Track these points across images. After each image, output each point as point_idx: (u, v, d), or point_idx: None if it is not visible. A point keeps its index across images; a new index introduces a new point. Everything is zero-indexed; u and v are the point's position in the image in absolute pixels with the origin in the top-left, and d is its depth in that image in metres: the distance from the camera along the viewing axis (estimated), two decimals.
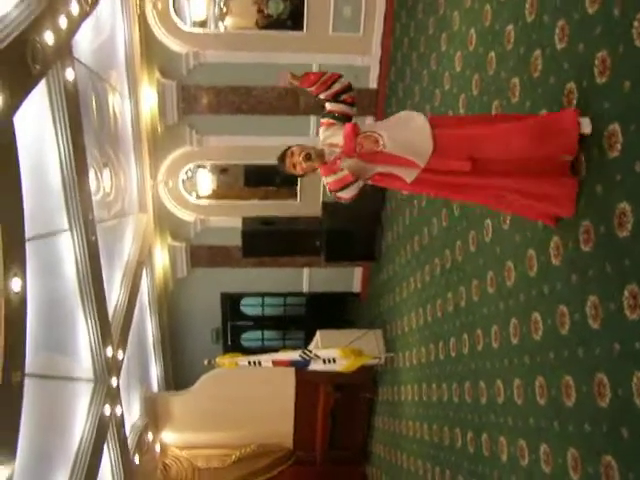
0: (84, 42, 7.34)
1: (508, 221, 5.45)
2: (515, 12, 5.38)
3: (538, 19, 4.96)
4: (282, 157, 4.40)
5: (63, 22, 5.68)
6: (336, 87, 4.41)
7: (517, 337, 5.20)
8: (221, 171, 14.21)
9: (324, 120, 4.43)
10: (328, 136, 4.36)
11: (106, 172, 8.65)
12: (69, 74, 6.03)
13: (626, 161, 3.70)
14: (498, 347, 5.62)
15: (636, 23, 3.64)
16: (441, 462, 7.19)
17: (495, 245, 5.72)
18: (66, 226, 6.46)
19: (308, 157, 4.27)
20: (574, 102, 4.32)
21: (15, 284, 4.61)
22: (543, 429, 4.72)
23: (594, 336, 4.01)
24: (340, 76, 4.43)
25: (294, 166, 4.35)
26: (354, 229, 10.78)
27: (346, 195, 4.48)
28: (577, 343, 4.23)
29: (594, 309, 4.01)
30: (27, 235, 4.94)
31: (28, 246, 4.98)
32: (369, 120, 10.81)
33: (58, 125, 5.99)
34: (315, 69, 10.58)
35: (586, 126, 4.05)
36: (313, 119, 11.07)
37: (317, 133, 10.62)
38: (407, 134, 4.16)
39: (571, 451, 4.28)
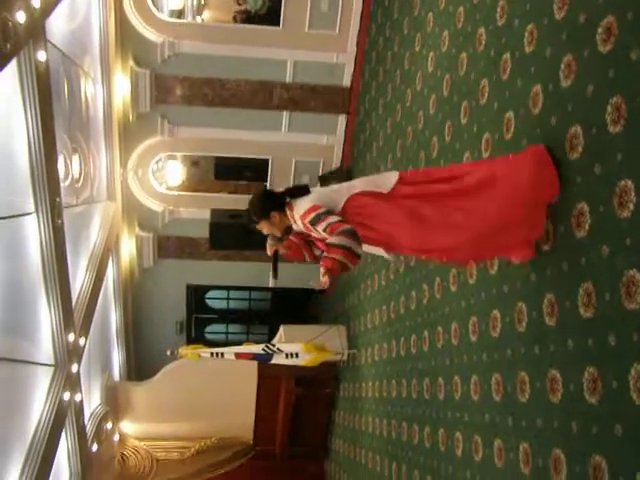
0: (58, 25, 7.30)
1: None
2: (487, 15, 5.47)
3: (508, 23, 5.04)
4: (252, 217, 4.39)
5: (36, 1, 5.65)
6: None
7: (476, 335, 5.28)
8: (192, 164, 14.21)
9: (307, 223, 4.21)
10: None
11: (75, 158, 8.61)
12: (41, 56, 5.99)
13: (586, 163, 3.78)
14: (457, 344, 5.70)
15: (600, 29, 3.72)
16: (398, 458, 7.26)
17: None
18: (32, 209, 6.42)
19: (273, 233, 4.41)
20: (539, 105, 4.40)
21: None
22: (497, 424, 4.80)
23: (549, 333, 4.10)
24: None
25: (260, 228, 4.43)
26: None
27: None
28: (533, 340, 4.31)
29: (550, 307, 4.09)
30: None
31: None
32: (342, 119, 10.91)
33: (28, 106, 5.94)
34: (290, 65, 10.65)
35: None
36: (286, 114, 11.15)
37: (288, 129, 10.71)
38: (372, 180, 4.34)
39: (523, 445, 4.37)
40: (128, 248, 11.60)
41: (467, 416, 5.39)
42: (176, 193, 11.98)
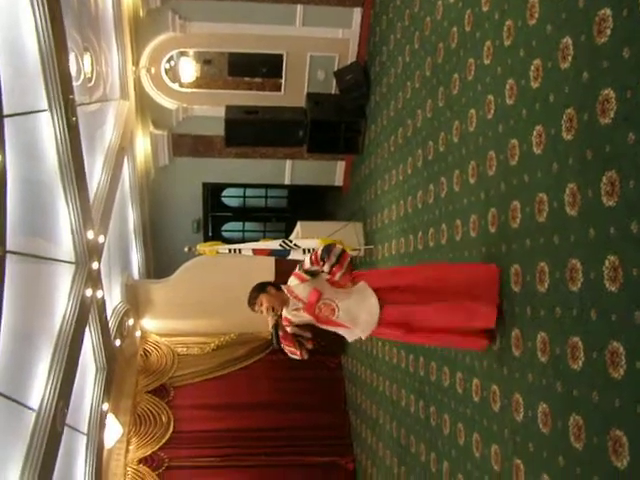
0: None
1: (492, 111, 5.43)
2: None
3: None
4: (251, 300, 4.94)
5: None
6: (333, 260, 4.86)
7: (495, 226, 5.27)
8: (204, 62, 13.95)
9: (299, 273, 4.96)
10: (297, 288, 4.93)
11: (87, 56, 8.46)
12: None
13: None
14: (476, 236, 5.69)
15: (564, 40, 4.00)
16: (415, 350, 7.38)
17: (478, 135, 5.72)
18: (45, 106, 6.35)
19: (272, 309, 4.88)
20: (514, 96, 4.32)
21: None
22: (515, 314, 4.84)
23: (570, 223, 4.08)
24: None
25: (257, 309, 4.94)
26: (338, 121, 10.69)
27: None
28: (553, 230, 4.29)
29: (572, 196, 4.06)
30: (5, 112, 4.86)
31: (7, 124, 4.91)
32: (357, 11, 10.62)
33: (35, 1, 5.79)
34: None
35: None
36: (299, 8, 10.86)
37: (303, 23, 10.49)
38: (359, 312, 4.90)
39: (541, 334, 4.41)
40: (143, 147, 11.54)
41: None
42: (190, 90, 11.82)
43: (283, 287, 5.00)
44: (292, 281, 4.99)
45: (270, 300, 4.88)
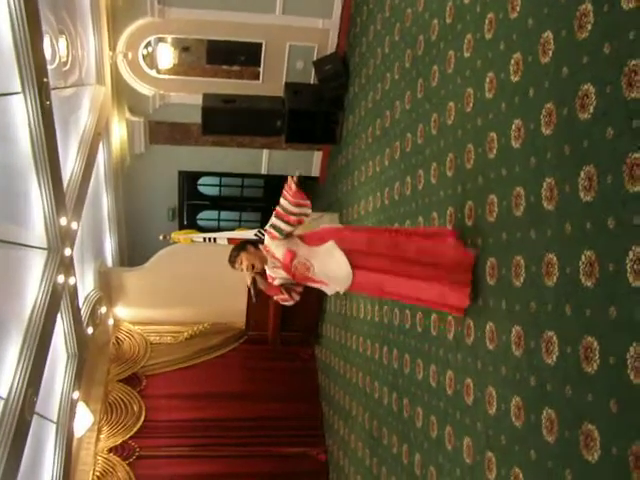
0: None
1: (471, 104, 5.42)
2: None
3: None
4: (231, 258, 5.17)
5: None
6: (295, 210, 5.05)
7: (472, 219, 5.27)
8: (182, 49, 13.81)
9: (270, 230, 5.12)
10: (272, 247, 5.12)
11: (62, 40, 8.32)
12: None
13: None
14: (452, 229, 5.68)
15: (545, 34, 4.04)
16: (389, 342, 7.39)
17: (457, 128, 5.71)
18: (19, 89, 6.24)
19: (251, 267, 5.14)
20: (494, 90, 4.27)
21: None
22: (490, 308, 4.85)
23: (547, 217, 4.08)
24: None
25: (238, 267, 5.18)
26: (316, 111, 10.65)
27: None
28: (530, 224, 4.29)
29: (549, 191, 4.06)
30: None
31: None
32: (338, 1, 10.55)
33: None
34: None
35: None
36: None
37: (283, 12, 10.39)
38: (332, 269, 5.09)
39: (515, 328, 4.42)
40: (119, 133, 11.40)
41: None
42: (167, 77, 11.71)
43: (261, 246, 5.21)
44: (267, 240, 5.19)
45: (249, 258, 5.13)
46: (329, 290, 5.35)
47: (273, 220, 5.10)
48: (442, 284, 5.05)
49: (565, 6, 4.00)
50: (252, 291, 5.31)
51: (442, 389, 5.75)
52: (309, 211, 5.13)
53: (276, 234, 5.08)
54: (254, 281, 5.25)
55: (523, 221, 4.41)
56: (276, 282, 5.30)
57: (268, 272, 5.26)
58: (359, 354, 8.64)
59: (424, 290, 5.06)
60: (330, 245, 5.10)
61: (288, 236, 5.12)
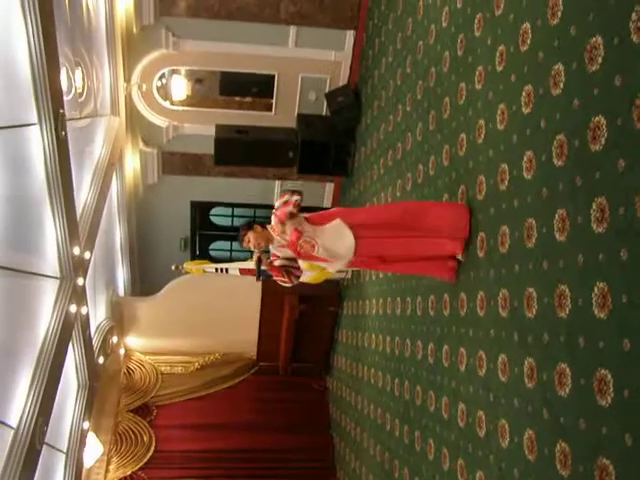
0: None
1: (482, 136, 5.44)
2: None
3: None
4: (240, 236, 5.55)
5: None
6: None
7: (483, 251, 5.26)
8: (196, 81, 13.94)
9: (277, 214, 5.42)
10: (279, 228, 5.41)
11: (78, 71, 8.44)
12: None
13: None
14: (464, 262, 5.68)
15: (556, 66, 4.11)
16: (401, 374, 7.35)
17: (468, 160, 5.73)
18: (35, 120, 6.32)
19: (258, 245, 5.47)
20: (505, 122, 4.30)
21: None
22: (502, 340, 4.82)
23: (559, 249, 4.07)
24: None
25: (247, 244, 5.53)
26: (328, 142, 10.70)
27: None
28: (543, 256, 4.28)
29: (561, 222, 4.05)
30: None
31: None
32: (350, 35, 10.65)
33: (28, 13, 5.77)
34: None
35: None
36: (293, 29, 10.90)
37: (295, 44, 10.46)
38: (337, 247, 5.40)
39: (528, 360, 4.39)
40: (132, 164, 11.51)
41: (472, 332, 5.42)
42: (180, 108, 11.82)
43: (268, 226, 5.52)
44: (274, 221, 5.47)
45: (257, 237, 5.46)
46: (332, 267, 5.76)
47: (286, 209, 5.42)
48: (441, 237, 5.51)
49: (576, 39, 4.03)
50: (257, 269, 5.61)
51: (454, 421, 5.70)
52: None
53: (284, 218, 5.38)
54: (259, 260, 5.55)
55: (535, 252, 4.39)
56: (277, 262, 5.62)
57: (273, 251, 5.61)
58: (370, 385, 8.60)
59: (422, 244, 5.45)
60: (337, 222, 5.43)
61: (293, 216, 5.38)
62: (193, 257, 12.66)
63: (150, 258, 12.42)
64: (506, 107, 5.02)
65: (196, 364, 11.21)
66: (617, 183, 3.52)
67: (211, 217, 13.76)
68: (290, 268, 5.68)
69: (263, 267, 5.60)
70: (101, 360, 9.32)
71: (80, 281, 7.68)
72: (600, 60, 3.75)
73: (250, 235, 5.48)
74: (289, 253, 5.54)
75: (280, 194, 5.41)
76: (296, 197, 5.47)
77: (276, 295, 10.37)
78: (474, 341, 5.37)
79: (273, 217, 5.50)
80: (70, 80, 7.93)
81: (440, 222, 5.49)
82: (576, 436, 3.79)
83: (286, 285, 5.80)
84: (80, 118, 8.46)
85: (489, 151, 5.29)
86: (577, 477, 3.76)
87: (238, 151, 10.54)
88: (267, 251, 5.63)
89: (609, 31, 3.67)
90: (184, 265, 8.80)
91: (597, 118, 3.73)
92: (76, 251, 7.42)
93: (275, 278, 5.77)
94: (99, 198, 8.80)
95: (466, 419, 5.44)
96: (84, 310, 7.99)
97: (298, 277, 5.77)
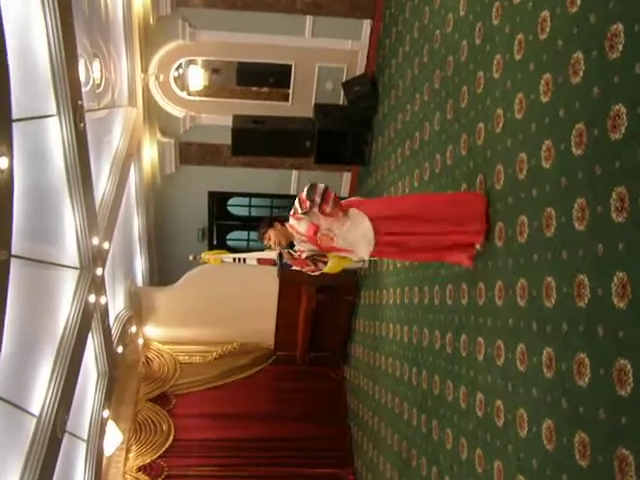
0: None
1: (501, 125, 5.42)
2: None
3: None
4: (260, 234, 5.66)
5: None
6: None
7: (502, 240, 5.24)
8: (213, 71, 13.98)
9: (294, 214, 5.51)
10: (297, 226, 5.53)
11: (96, 63, 8.47)
12: None
13: None
14: (482, 251, 5.66)
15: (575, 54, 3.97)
16: (418, 363, 7.35)
17: (486, 149, 5.71)
18: (54, 111, 6.35)
19: (278, 242, 5.57)
20: (523, 111, 4.24)
21: (2, 162, 4.57)
22: (521, 329, 4.81)
23: (579, 238, 4.05)
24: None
25: (267, 242, 5.62)
26: (346, 132, 10.69)
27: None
28: (562, 245, 4.27)
29: (580, 211, 4.03)
30: (14, 116, 4.86)
31: (15, 128, 4.91)
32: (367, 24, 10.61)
33: (46, 5, 5.79)
34: None
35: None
36: (309, 19, 10.88)
37: (312, 34, 10.45)
38: (355, 237, 5.47)
39: (547, 350, 4.38)
40: (150, 154, 11.55)
41: (490, 321, 5.41)
42: (197, 99, 11.84)
43: (287, 225, 5.61)
44: (292, 221, 5.57)
45: (276, 234, 5.56)
46: (354, 256, 5.79)
47: (297, 209, 5.49)
48: (459, 227, 5.56)
49: (595, 27, 4.00)
50: (278, 263, 5.93)
51: (472, 411, 5.70)
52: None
53: (301, 216, 5.47)
54: (280, 255, 5.78)
55: (554, 242, 4.38)
56: (304, 255, 5.68)
57: (297, 246, 5.69)
58: (388, 375, 8.61)
59: (440, 237, 5.50)
60: (352, 212, 5.51)
61: (307, 213, 5.44)
62: (211, 247, 12.71)
63: (168, 248, 12.47)
64: (524, 96, 4.99)
65: (214, 354, 11.26)
66: (637, 172, 3.50)
67: (228, 207, 13.81)
68: (316, 257, 5.75)
69: (287, 261, 5.76)
70: (120, 349, 9.39)
71: (99, 271, 7.74)
72: (621, 48, 3.72)
73: (271, 233, 5.57)
74: (311, 247, 5.64)
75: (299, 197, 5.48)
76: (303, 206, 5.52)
77: (293, 285, 10.38)
78: (492, 330, 5.36)
79: (290, 217, 5.59)
80: (88, 71, 7.97)
81: (458, 213, 5.52)
82: (595, 426, 3.79)
83: (314, 274, 5.92)
84: (98, 109, 8.50)
85: (507, 140, 5.26)
86: (596, 467, 3.76)
87: (255, 141, 10.55)
88: (292, 246, 5.72)
89: (630, 18, 3.64)
90: (202, 255, 8.80)
91: (617, 107, 3.70)
92: (95, 241, 7.47)
93: (303, 269, 5.85)
94: (117, 188, 8.85)
95: (484, 409, 5.44)
96: (103, 300, 8.05)
97: (325, 263, 5.83)
